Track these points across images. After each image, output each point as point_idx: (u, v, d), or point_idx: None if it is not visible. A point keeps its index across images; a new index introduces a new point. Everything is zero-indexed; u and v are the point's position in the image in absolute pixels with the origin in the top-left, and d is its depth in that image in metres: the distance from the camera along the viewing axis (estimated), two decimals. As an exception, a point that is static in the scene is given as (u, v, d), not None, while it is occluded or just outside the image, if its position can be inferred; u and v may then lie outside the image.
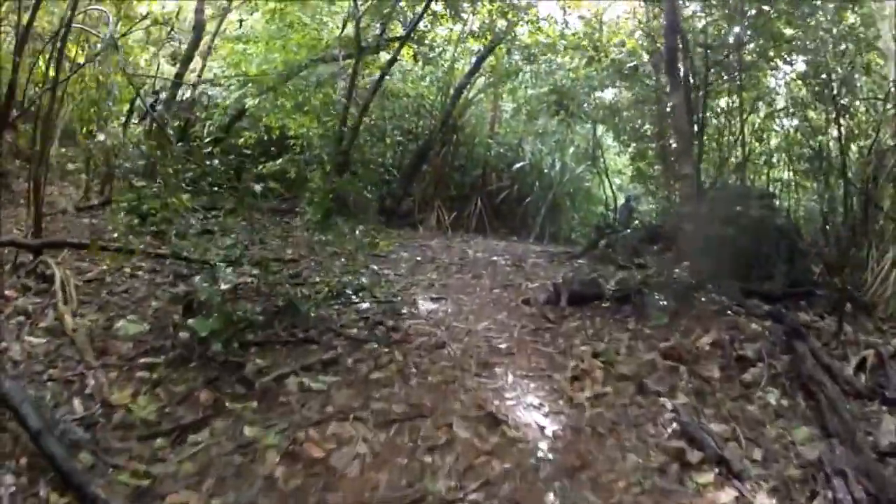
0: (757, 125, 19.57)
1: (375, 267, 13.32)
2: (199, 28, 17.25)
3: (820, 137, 17.25)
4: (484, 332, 9.45)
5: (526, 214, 24.31)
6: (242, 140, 20.13)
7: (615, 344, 9.09)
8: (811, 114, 17.65)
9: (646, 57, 19.68)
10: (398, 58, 20.53)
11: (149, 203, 10.73)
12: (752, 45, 17.49)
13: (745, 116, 18.26)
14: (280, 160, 19.35)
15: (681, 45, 15.76)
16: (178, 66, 17.58)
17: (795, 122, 18.60)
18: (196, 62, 22.33)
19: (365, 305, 10.31)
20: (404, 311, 10.31)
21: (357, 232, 13.73)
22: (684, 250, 13.32)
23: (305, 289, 10.26)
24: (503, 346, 8.92)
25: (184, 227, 10.32)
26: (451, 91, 22.41)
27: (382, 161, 23.17)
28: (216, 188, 10.47)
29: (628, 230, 17.08)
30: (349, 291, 10.61)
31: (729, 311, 10.49)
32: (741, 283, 11.46)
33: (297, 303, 9.01)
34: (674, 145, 18.81)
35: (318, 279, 11.13)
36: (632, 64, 19.13)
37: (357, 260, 12.27)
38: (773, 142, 19.69)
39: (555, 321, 10.15)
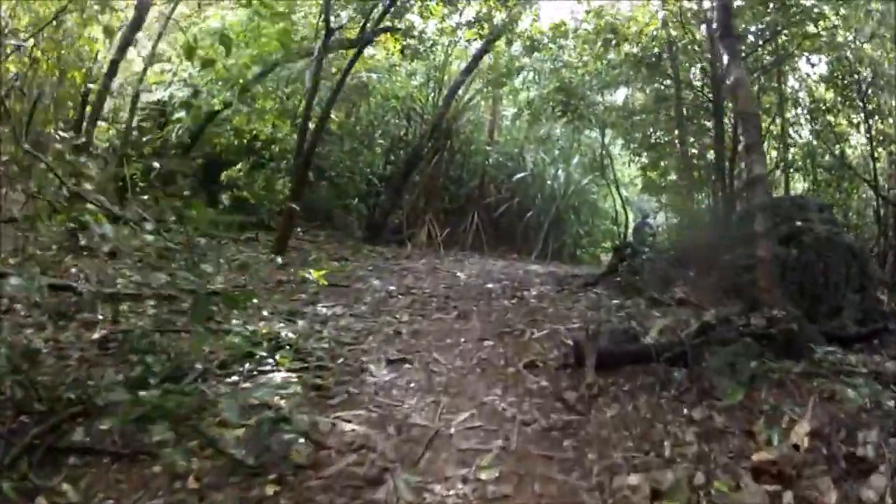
0: (776, 131, 16.04)
1: (323, 308, 9.01)
2: (141, 7, 12.87)
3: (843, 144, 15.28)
4: (461, 437, 5.20)
5: (527, 230, 20.04)
6: (214, 144, 15.90)
7: (679, 457, 4.97)
8: (833, 118, 15.17)
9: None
10: (388, 53, 16.35)
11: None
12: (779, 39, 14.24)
13: (773, 119, 15.57)
14: (239, 166, 14.97)
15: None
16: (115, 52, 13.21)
17: (817, 127, 15.67)
18: (164, 58, 18.37)
19: (278, 376, 6.09)
20: (336, 390, 6.16)
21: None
22: (740, 279, 9.36)
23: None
24: (494, 472, 4.62)
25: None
26: (444, 91, 17.96)
27: (371, 170, 18.86)
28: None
29: (651, 251, 12.52)
30: (263, 353, 6.54)
31: (817, 369, 6.63)
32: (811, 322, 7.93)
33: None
34: (687, 153, 15.23)
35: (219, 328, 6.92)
36: (654, 52, 14.74)
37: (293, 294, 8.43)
38: (792, 149, 16.44)
39: (579, 407, 5.86)
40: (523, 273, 14.60)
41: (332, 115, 16.60)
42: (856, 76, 14.14)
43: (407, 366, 6.84)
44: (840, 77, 14.32)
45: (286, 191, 14.65)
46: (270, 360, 6.44)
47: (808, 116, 15.78)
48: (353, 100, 18.20)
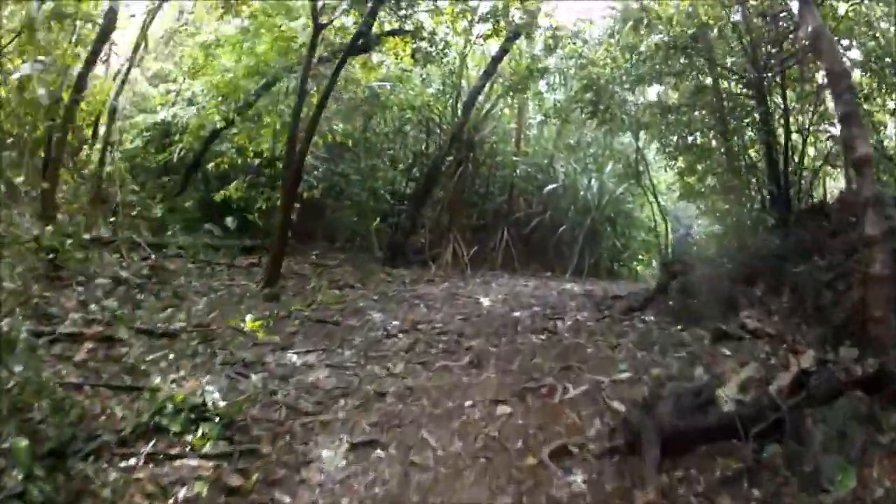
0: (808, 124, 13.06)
1: (294, 355, 6.80)
2: (110, 17, 10.73)
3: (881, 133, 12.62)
4: None
5: (560, 245, 17.63)
6: (212, 165, 13.95)
7: None
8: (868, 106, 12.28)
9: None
10: (398, 59, 14.11)
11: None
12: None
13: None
14: (234, 185, 12.77)
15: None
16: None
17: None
18: (170, 78, 16.48)
19: (187, 464, 4.42)
20: (256, 499, 4.23)
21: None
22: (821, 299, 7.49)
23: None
24: None
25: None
26: (463, 99, 15.57)
27: (392, 187, 16.60)
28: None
29: (704, 266, 9.98)
30: (176, 428, 4.85)
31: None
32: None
33: None
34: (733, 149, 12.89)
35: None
36: (692, 33, 12.26)
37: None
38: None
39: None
40: (557, 295, 12.21)
41: (341, 129, 14.34)
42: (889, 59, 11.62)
43: (377, 453, 4.61)
44: (876, 61, 11.75)
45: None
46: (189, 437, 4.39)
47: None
48: (366, 112, 15.93)
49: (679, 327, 8.07)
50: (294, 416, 5.29)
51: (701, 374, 6.00)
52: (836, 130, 12.92)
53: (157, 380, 5.65)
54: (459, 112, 15.66)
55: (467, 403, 5.47)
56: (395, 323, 8.53)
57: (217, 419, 4.91)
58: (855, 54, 12.16)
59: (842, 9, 11.41)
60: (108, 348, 6.61)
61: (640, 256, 20.52)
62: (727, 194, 14.84)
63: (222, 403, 5.10)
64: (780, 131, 11.89)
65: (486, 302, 10.70)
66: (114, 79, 14.63)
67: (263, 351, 6.99)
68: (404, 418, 5.18)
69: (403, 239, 15.36)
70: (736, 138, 13.58)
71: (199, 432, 4.74)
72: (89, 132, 14.62)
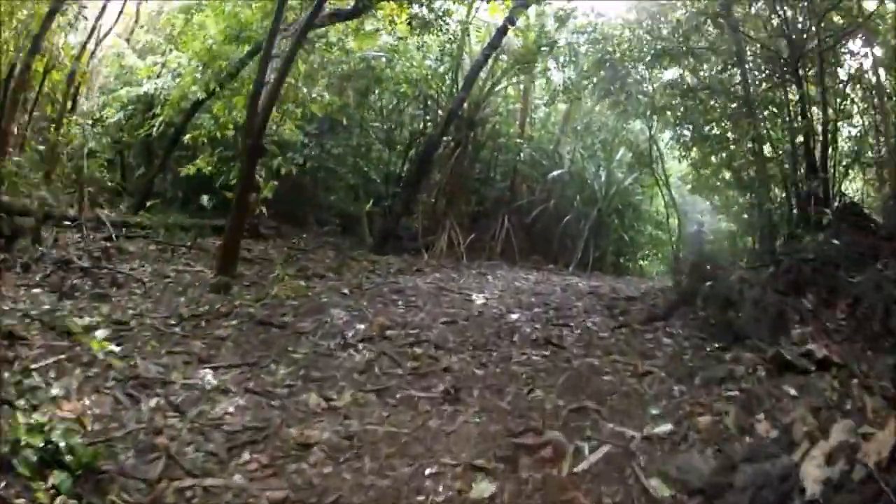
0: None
1: (209, 372, 4.87)
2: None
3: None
4: None
5: (564, 236, 15.55)
6: (189, 137, 11.94)
7: None
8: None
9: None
10: (393, 26, 12.11)
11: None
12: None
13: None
14: (199, 160, 10.82)
15: None
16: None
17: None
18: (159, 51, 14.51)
19: None
20: None
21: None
22: None
23: None
24: None
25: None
26: (464, 72, 13.49)
27: (389, 168, 14.63)
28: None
29: (741, 268, 7.95)
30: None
31: None
32: None
33: None
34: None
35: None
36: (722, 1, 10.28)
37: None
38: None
39: None
40: (560, 292, 10.28)
41: (328, 101, 12.26)
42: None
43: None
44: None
45: (265, 188, 10.34)
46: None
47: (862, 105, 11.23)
48: (358, 86, 13.87)
49: (717, 345, 6.07)
50: (173, 474, 3.34)
51: (767, 430, 4.00)
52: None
53: (40, 395, 4.04)
54: (459, 86, 13.57)
55: (429, 471, 3.49)
56: (359, 327, 6.52)
57: (71, 467, 3.02)
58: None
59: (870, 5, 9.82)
60: (7, 347, 4.83)
61: (646, 252, 18.44)
62: (749, 188, 12.84)
63: (80, 443, 3.19)
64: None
65: (478, 300, 8.70)
66: (90, 47, 12.77)
67: (176, 362, 4.99)
68: (326, 494, 3.18)
69: (395, 224, 13.36)
70: (765, 126, 11.58)
71: (49, 482, 3.05)
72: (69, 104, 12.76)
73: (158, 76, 13.30)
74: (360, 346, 5.88)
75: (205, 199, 11.34)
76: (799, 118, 10.42)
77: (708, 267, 8.58)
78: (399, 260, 12.27)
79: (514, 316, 7.77)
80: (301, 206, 14.85)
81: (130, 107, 13.52)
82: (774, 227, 11.55)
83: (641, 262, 18.56)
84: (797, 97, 10.36)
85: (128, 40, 14.96)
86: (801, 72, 10.18)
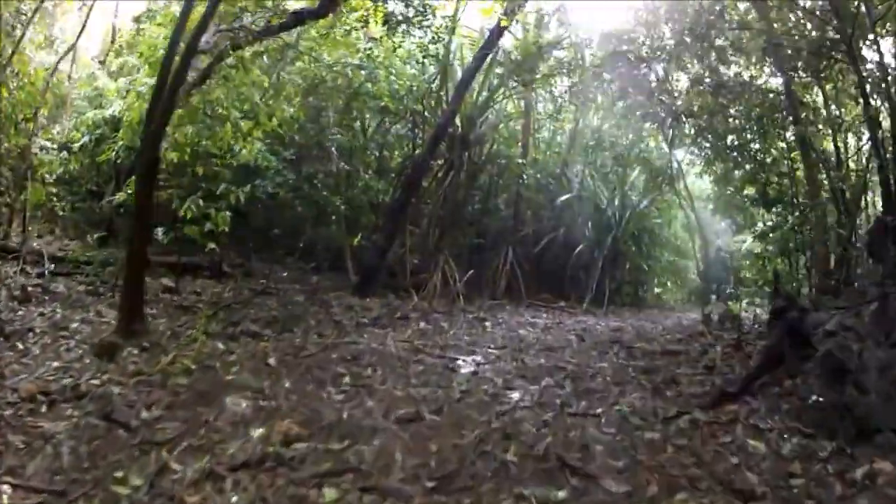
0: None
1: None
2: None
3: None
4: None
5: (576, 268, 12.52)
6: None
7: None
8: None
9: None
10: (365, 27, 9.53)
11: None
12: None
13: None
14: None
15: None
16: None
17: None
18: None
19: None
20: None
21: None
22: None
23: None
24: None
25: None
26: (455, 84, 10.79)
27: (380, 198, 11.85)
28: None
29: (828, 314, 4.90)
30: None
31: None
32: None
33: None
34: None
35: None
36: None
37: None
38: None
39: None
40: (577, 342, 7.64)
41: (292, 117, 9.58)
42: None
43: None
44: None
45: (218, 220, 7.67)
46: None
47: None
48: (337, 105, 11.13)
49: (836, 446, 3.25)
50: None
51: None
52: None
53: None
54: (448, 96, 10.83)
55: None
56: (252, 434, 3.78)
57: None
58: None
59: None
60: None
61: (664, 280, 15.46)
62: (777, 203, 10.47)
63: None
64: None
65: (465, 367, 5.90)
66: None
67: None
68: None
69: (379, 260, 10.55)
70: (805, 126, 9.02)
71: None
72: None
73: (125, 96, 10.76)
74: (231, 478, 3.04)
75: (159, 232, 8.97)
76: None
77: (780, 303, 5.71)
78: (381, 304, 9.49)
79: (514, 396, 5.00)
80: (281, 241, 12.13)
81: (98, 130, 11.02)
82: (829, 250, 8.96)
83: (658, 291, 15.59)
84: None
85: (102, 62, 12.98)
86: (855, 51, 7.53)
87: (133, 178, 7.85)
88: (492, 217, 13.29)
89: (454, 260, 11.35)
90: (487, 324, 8.83)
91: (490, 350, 6.81)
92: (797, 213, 9.81)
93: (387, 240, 10.55)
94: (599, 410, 4.66)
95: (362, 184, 12.15)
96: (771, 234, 10.59)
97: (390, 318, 8.46)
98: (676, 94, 10.52)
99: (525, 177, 12.42)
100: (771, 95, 9.54)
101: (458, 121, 11.41)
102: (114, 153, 9.90)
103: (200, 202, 8.23)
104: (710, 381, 5.48)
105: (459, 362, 6.06)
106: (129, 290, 5.91)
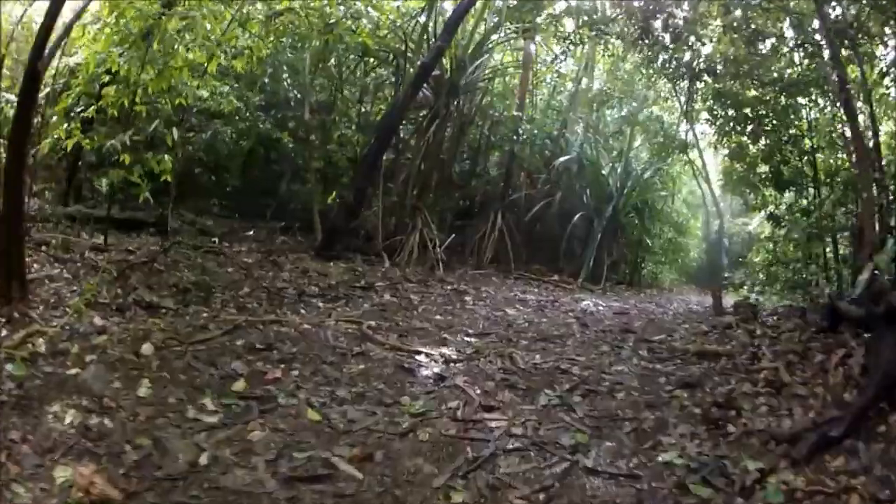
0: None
1: None
2: None
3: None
4: None
5: (572, 238, 10.37)
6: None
7: None
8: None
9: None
10: None
11: None
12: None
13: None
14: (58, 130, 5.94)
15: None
16: None
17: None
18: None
19: None
20: None
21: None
22: None
23: None
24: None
25: None
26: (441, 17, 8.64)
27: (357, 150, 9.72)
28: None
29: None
30: None
31: None
32: None
33: None
34: None
35: None
36: None
37: None
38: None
39: None
40: (580, 333, 5.35)
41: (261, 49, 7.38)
42: None
43: None
44: None
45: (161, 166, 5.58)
46: None
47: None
48: (311, 44, 8.97)
49: None
50: None
51: None
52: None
53: None
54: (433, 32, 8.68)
55: None
56: None
57: None
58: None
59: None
60: None
61: (661, 258, 13.35)
62: (792, 184, 8.45)
63: None
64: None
65: (428, 367, 3.89)
66: None
67: None
68: None
69: (346, 219, 8.42)
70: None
71: None
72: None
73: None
74: None
75: (103, 182, 7.39)
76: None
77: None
78: (344, 270, 7.43)
79: (497, 427, 2.93)
80: (254, 198, 10.11)
81: (61, 80, 8.89)
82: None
83: (653, 270, 13.51)
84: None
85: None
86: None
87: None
88: (480, 177, 11.16)
89: (436, 223, 9.30)
90: (468, 298, 6.79)
91: (467, 339, 4.77)
92: (840, 190, 7.78)
93: (356, 196, 8.43)
94: (634, 465, 2.64)
95: (339, 136, 10.04)
96: (788, 217, 8.66)
97: (348, 288, 6.40)
98: (703, 42, 8.40)
99: (521, 132, 10.21)
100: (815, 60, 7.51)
101: (446, 64, 9.25)
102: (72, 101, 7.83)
103: (127, 141, 6.20)
104: (786, 410, 3.45)
105: (421, 358, 4.03)
106: (5, 250, 3.86)
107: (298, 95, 9.55)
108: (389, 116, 8.47)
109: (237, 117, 9.12)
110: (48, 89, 8.84)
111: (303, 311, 5.02)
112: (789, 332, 5.52)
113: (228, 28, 6.76)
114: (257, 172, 10.65)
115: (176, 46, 6.52)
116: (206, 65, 6.74)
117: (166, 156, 6.37)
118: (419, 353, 4.11)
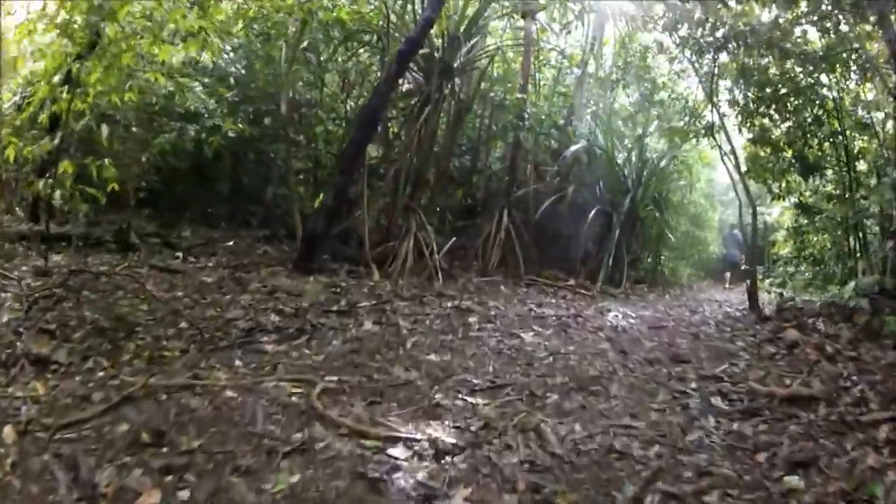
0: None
1: None
2: None
3: None
4: None
5: (588, 238, 8.75)
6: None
7: None
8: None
9: None
10: None
11: None
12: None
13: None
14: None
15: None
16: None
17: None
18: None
19: None
20: None
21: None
22: None
23: None
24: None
25: None
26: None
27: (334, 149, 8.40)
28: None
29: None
30: None
31: None
32: None
33: None
34: None
35: None
36: None
37: None
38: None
39: None
40: (621, 368, 3.82)
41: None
42: None
43: None
44: None
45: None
46: None
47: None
48: (286, 30, 7.42)
49: None
50: None
51: None
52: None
53: None
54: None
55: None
56: None
57: None
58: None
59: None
60: None
61: (684, 255, 11.62)
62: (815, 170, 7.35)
63: None
64: None
65: (406, 473, 2.19)
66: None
67: None
68: None
69: (325, 224, 6.81)
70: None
71: None
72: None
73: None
74: None
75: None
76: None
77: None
78: (324, 286, 5.92)
79: None
80: (242, 204, 8.98)
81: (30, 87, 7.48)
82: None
83: (672, 266, 11.78)
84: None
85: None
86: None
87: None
88: (482, 172, 9.52)
89: (434, 225, 7.73)
90: (473, 319, 5.18)
91: (471, 400, 3.14)
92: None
93: (336, 197, 6.82)
94: None
95: (321, 130, 8.46)
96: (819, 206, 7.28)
97: (320, 314, 4.84)
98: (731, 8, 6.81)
99: (526, 116, 8.51)
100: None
101: (437, 42, 7.63)
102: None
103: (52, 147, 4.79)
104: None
105: (397, 451, 2.42)
106: None
107: (275, 91, 7.96)
108: (371, 101, 6.82)
109: (206, 115, 7.62)
110: (16, 98, 7.59)
111: (239, 361, 3.42)
112: (866, 348, 4.17)
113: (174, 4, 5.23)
114: (245, 177, 9.17)
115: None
116: (159, 53, 5.27)
117: (107, 160, 5.04)
118: (395, 439, 2.50)
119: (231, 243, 7.71)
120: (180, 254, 6.94)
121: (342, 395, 3.08)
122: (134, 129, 7.33)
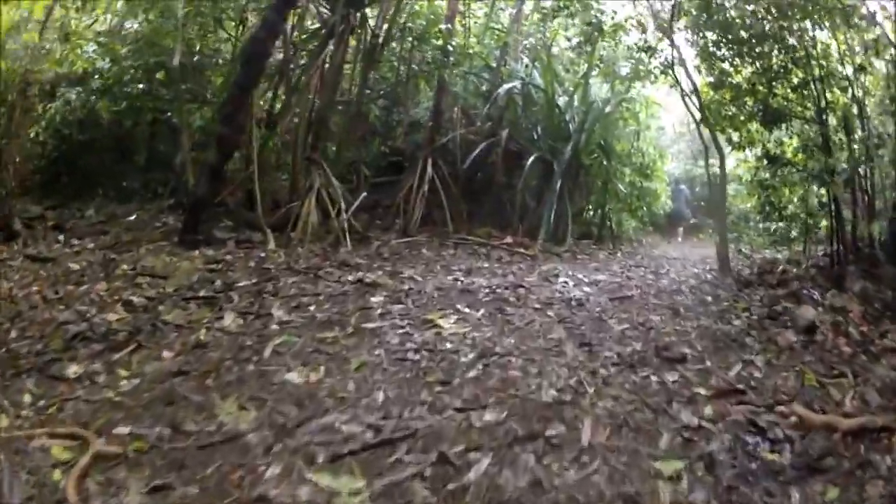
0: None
1: None
2: None
3: None
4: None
5: (524, 188, 7.16)
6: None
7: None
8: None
9: None
10: None
11: None
12: None
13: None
14: None
15: None
16: None
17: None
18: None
19: None
20: None
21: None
22: None
23: None
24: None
25: None
26: None
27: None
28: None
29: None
30: None
31: None
32: None
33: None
34: None
35: None
36: None
37: None
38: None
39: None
40: (589, 380, 2.45)
41: None
42: None
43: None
44: None
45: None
46: None
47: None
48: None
49: None
50: None
51: None
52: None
53: None
54: None
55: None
56: None
57: None
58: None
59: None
60: None
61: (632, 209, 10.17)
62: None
63: None
64: None
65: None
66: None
67: None
68: None
69: (211, 189, 5.06)
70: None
71: None
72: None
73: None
74: None
75: None
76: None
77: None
78: (204, 262, 4.23)
79: None
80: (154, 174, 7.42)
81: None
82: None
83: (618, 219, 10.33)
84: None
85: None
86: None
87: None
88: (398, 114, 7.82)
89: (347, 182, 6.04)
90: (376, 299, 3.66)
91: (325, 485, 1.59)
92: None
93: (220, 151, 5.07)
94: None
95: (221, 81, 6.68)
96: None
97: (178, 302, 3.48)
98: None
99: (451, 47, 6.81)
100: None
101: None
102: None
103: None
104: None
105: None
106: None
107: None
108: (258, 33, 5.07)
109: (96, 76, 5.85)
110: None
111: (28, 396, 1.98)
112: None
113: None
114: (162, 145, 7.70)
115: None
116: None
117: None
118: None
119: (133, 217, 6.05)
120: (62, 237, 5.21)
121: (119, 470, 1.56)
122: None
